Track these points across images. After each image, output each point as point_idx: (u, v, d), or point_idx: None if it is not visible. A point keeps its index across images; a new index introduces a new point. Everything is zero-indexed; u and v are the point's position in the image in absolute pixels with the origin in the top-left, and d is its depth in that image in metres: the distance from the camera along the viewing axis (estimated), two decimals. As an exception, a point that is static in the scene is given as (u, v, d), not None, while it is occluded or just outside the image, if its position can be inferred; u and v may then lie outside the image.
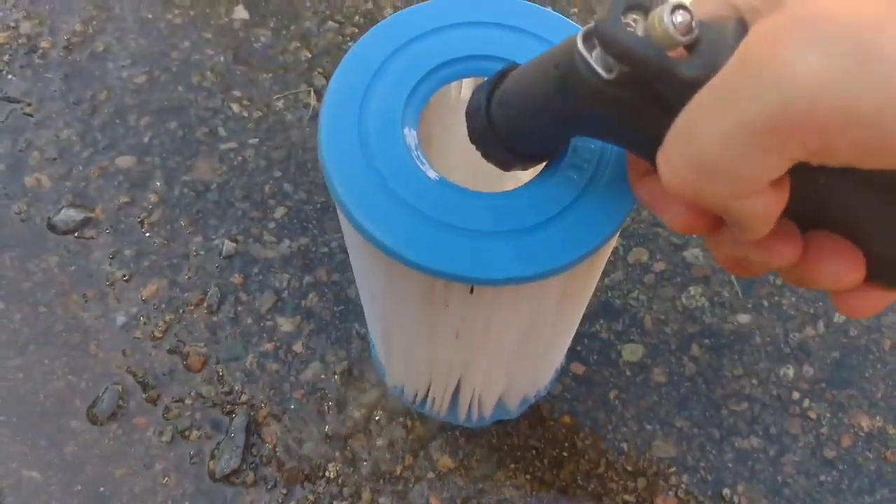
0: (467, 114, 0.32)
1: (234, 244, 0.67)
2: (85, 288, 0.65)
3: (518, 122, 0.30)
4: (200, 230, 0.67)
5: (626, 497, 0.58)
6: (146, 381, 0.62)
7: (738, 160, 0.21)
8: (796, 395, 0.62)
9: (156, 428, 0.60)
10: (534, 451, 0.60)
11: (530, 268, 0.32)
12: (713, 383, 0.62)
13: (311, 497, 0.58)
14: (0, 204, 0.68)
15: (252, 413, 0.61)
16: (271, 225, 0.68)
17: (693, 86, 0.22)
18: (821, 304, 0.65)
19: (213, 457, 0.59)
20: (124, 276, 0.66)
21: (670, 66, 0.23)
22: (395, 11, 0.77)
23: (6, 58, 0.76)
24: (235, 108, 0.73)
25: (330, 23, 0.78)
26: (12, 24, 0.77)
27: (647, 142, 0.26)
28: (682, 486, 0.59)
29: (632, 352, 0.63)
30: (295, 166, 0.70)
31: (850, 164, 0.20)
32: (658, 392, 0.62)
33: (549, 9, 0.38)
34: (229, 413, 0.61)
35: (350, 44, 0.76)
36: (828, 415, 0.61)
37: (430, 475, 0.59)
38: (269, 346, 0.63)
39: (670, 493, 0.58)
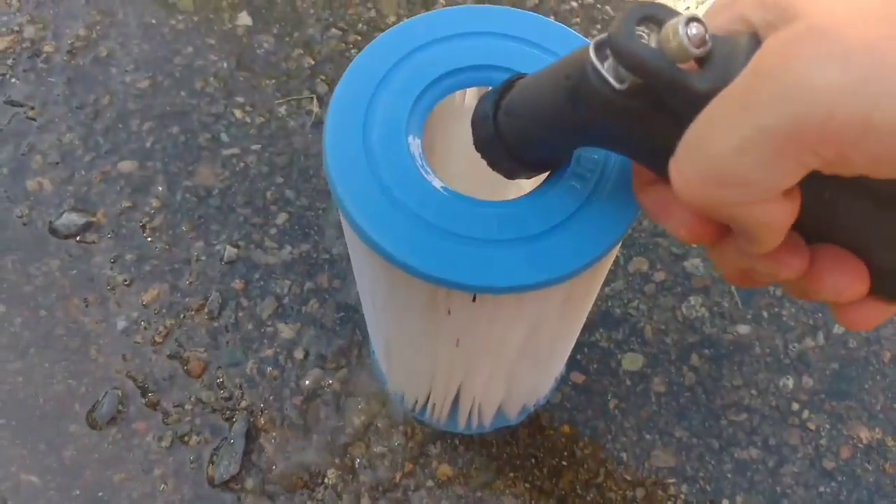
0: (473, 122, 0.33)
1: (235, 250, 0.67)
2: (86, 292, 0.65)
3: (526, 131, 0.30)
4: (202, 235, 0.68)
5: (625, 507, 0.58)
6: (146, 385, 0.62)
7: (752, 166, 0.21)
8: (796, 406, 0.62)
9: (155, 433, 0.60)
10: (533, 460, 0.60)
11: (534, 276, 0.32)
12: (713, 393, 0.62)
13: (309, 504, 0.58)
14: (2, 207, 0.69)
15: (252, 419, 0.61)
16: (273, 231, 0.68)
17: (705, 99, 0.22)
18: (820, 315, 0.65)
19: (212, 462, 0.59)
20: (125, 280, 0.66)
21: (683, 78, 0.23)
22: (398, 20, 0.78)
23: (10, 62, 0.76)
24: (238, 113, 0.73)
25: (333, 30, 0.78)
26: (16, 29, 0.78)
27: (655, 152, 0.26)
28: (681, 496, 0.59)
29: (632, 361, 0.63)
30: (297, 173, 0.70)
31: (865, 174, 0.20)
32: (658, 402, 0.62)
33: (551, 19, 0.39)
34: (229, 419, 0.61)
35: (353, 51, 0.76)
36: (827, 426, 0.61)
37: (430, 483, 0.59)
38: (269, 352, 0.63)
39: (669, 503, 0.58)
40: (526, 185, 0.38)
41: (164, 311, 0.65)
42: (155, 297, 0.65)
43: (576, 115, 0.27)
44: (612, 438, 0.60)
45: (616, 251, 0.38)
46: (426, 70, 0.37)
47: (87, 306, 0.65)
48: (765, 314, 0.65)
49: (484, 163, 0.34)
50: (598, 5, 0.80)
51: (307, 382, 0.62)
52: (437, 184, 0.34)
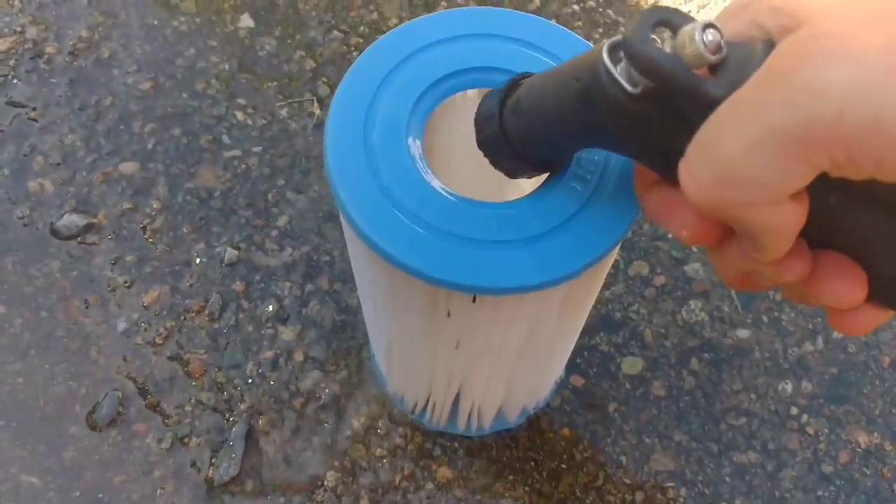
0: (477, 120, 0.33)
1: (236, 251, 0.67)
2: (86, 293, 0.65)
3: (532, 131, 0.31)
4: (203, 237, 0.68)
5: (624, 510, 0.58)
6: (146, 387, 0.62)
7: (763, 167, 0.21)
8: (794, 410, 0.62)
9: (155, 435, 0.60)
10: (532, 463, 0.60)
11: (534, 277, 0.32)
12: (712, 397, 0.62)
13: (309, 506, 0.58)
14: (3, 208, 0.69)
15: (252, 421, 0.61)
16: (274, 233, 0.68)
17: (719, 104, 0.22)
18: (819, 320, 0.65)
19: (212, 464, 0.59)
20: (126, 282, 0.66)
21: (697, 84, 0.23)
22: (399, 22, 0.78)
23: (12, 62, 0.76)
24: (240, 115, 0.73)
25: (335, 32, 0.78)
26: (18, 29, 0.78)
27: (664, 155, 0.26)
28: (680, 499, 0.59)
29: (631, 365, 0.63)
30: (298, 175, 0.70)
31: (874, 177, 0.21)
32: (657, 405, 0.62)
33: (552, 21, 0.39)
34: (229, 421, 0.61)
35: (354, 54, 0.77)
36: (826, 430, 0.61)
37: (429, 486, 0.59)
38: (269, 354, 0.63)
39: (668, 506, 0.58)
40: (526, 185, 0.38)
41: (164, 312, 0.65)
42: (155, 298, 0.65)
43: (586, 117, 0.27)
44: (612, 442, 0.61)
45: (615, 253, 0.38)
46: (427, 71, 0.37)
47: (87, 308, 0.65)
48: (764, 318, 0.65)
49: (484, 164, 0.34)
50: (600, 9, 0.80)
51: (307, 384, 0.62)
52: (438, 185, 0.34)
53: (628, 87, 0.25)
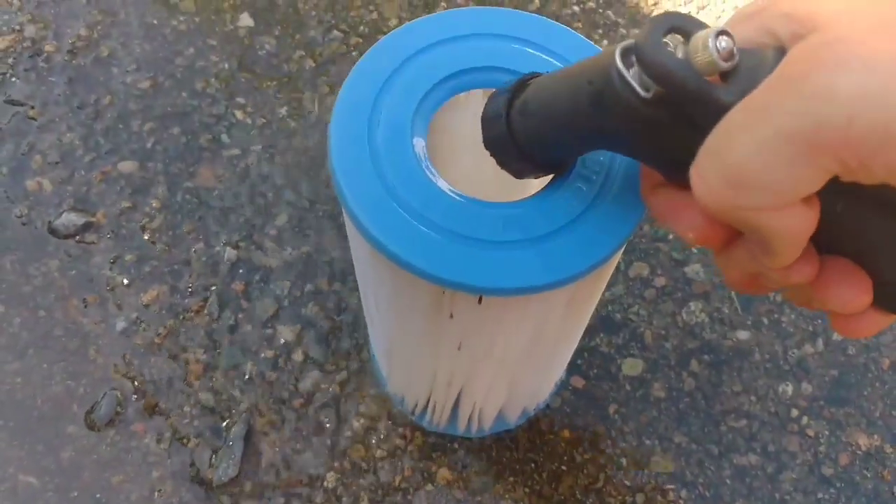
0: (484, 120, 0.32)
1: (235, 251, 0.67)
2: (85, 293, 0.65)
3: (540, 132, 0.30)
4: (202, 236, 0.67)
5: (625, 512, 0.58)
6: (145, 387, 0.62)
7: (773, 170, 0.21)
8: (795, 412, 0.62)
9: (154, 435, 0.60)
10: (532, 465, 0.60)
11: (540, 277, 0.32)
12: (712, 399, 0.62)
13: (308, 506, 0.58)
14: (1, 207, 0.68)
15: (251, 421, 0.60)
16: (273, 232, 0.68)
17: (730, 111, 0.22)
18: (820, 322, 0.65)
19: (210, 465, 0.59)
20: (125, 281, 0.66)
21: (709, 90, 0.23)
22: (399, 22, 0.78)
23: (10, 61, 0.76)
24: (239, 115, 0.73)
25: (335, 32, 0.78)
26: (17, 28, 0.77)
27: (673, 159, 0.26)
28: (681, 501, 0.59)
29: (632, 366, 0.63)
30: (298, 174, 0.70)
31: (885, 183, 0.21)
32: (657, 407, 0.62)
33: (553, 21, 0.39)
34: (228, 421, 0.60)
35: (354, 54, 0.76)
36: (826, 433, 0.61)
37: (429, 487, 0.58)
38: (269, 354, 0.63)
39: (668, 508, 0.58)
40: (531, 186, 0.38)
41: (163, 312, 0.64)
42: (154, 298, 0.65)
43: (597, 120, 0.27)
44: (612, 443, 0.60)
45: (620, 253, 0.38)
46: (430, 71, 0.37)
47: (86, 307, 0.65)
48: (764, 320, 0.65)
49: (488, 164, 0.34)
50: (600, 10, 0.80)
51: (306, 385, 0.62)
52: (443, 185, 0.34)
53: (641, 92, 0.25)
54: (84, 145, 0.71)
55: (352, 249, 0.43)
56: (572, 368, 0.62)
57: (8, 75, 0.75)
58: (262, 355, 0.63)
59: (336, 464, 0.59)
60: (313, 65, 0.76)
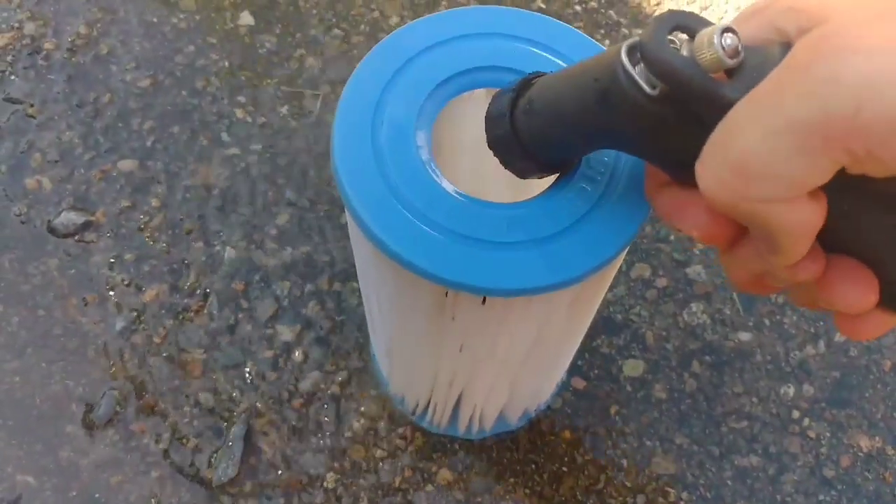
0: (488, 120, 0.32)
1: (235, 251, 0.66)
2: (84, 292, 0.65)
3: (546, 131, 0.30)
4: (202, 236, 0.67)
5: (626, 513, 0.58)
6: (144, 387, 0.61)
7: (780, 160, 0.21)
8: (796, 413, 0.62)
9: (153, 435, 0.60)
10: (533, 466, 0.59)
11: (544, 278, 0.32)
12: (713, 400, 0.62)
13: (308, 507, 0.58)
14: (0, 205, 0.68)
15: (250, 421, 0.60)
16: (273, 232, 0.67)
17: None
18: (822, 323, 0.65)
19: (210, 465, 0.59)
20: (124, 280, 0.65)
21: (714, 87, 0.23)
22: (401, 21, 0.78)
23: (9, 59, 0.75)
24: (239, 113, 0.73)
25: (336, 30, 0.78)
26: (16, 25, 0.77)
27: (679, 157, 0.26)
28: (682, 503, 0.58)
29: (633, 367, 0.63)
30: (298, 173, 0.70)
31: (893, 175, 0.20)
32: (658, 408, 0.62)
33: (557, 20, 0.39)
34: (227, 421, 0.60)
35: (355, 52, 0.76)
36: (827, 434, 0.61)
37: (429, 488, 0.58)
38: (268, 354, 0.63)
39: (670, 510, 0.58)
40: (535, 186, 0.38)
41: (163, 311, 0.64)
42: (154, 297, 0.65)
43: (602, 118, 0.27)
44: (613, 444, 0.60)
45: (624, 254, 0.38)
46: (434, 71, 0.36)
47: (85, 306, 0.64)
48: (766, 322, 0.65)
49: (492, 164, 0.34)
50: (602, 10, 0.80)
51: (306, 385, 0.62)
52: (446, 185, 0.34)
53: (647, 89, 0.25)
54: (83, 144, 0.71)
55: (354, 249, 0.43)
56: (573, 369, 0.62)
57: (7, 73, 0.74)
58: (262, 355, 0.63)
59: (336, 464, 0.59)
60: (314, 63, 0.76)
